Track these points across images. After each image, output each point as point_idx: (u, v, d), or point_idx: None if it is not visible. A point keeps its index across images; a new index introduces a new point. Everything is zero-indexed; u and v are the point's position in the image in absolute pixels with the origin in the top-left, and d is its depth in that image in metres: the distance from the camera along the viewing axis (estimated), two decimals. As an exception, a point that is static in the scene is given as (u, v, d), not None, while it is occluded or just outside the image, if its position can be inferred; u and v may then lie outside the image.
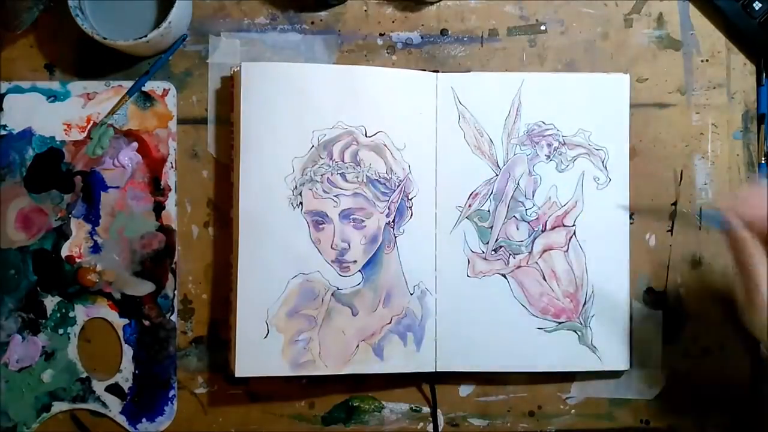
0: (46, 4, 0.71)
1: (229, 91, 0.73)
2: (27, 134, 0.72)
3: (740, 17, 0.74)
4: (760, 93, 0.75)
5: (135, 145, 0.72)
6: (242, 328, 0.69)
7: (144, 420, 0.72)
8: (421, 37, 0.74)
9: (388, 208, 0.71)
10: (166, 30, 0.68)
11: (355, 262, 0.70)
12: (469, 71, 0.73)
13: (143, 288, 0.72)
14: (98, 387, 0.72)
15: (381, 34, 0.74)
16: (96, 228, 0.72)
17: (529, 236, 0.72)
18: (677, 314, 0.74)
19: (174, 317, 0.72)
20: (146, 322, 0.72)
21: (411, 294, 0.71)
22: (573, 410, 0.74)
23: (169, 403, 0.72)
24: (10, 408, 0.71)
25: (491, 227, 0.72)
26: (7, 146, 0.72)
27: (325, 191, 0.70)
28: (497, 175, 0.72)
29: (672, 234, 0.74)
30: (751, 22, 0.73)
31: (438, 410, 0.73)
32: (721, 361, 0.74)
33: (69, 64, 0.73)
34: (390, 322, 0.70)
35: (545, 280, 0.72)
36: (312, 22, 0.74)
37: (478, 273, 0.72)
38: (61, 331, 0.71)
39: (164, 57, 0.72)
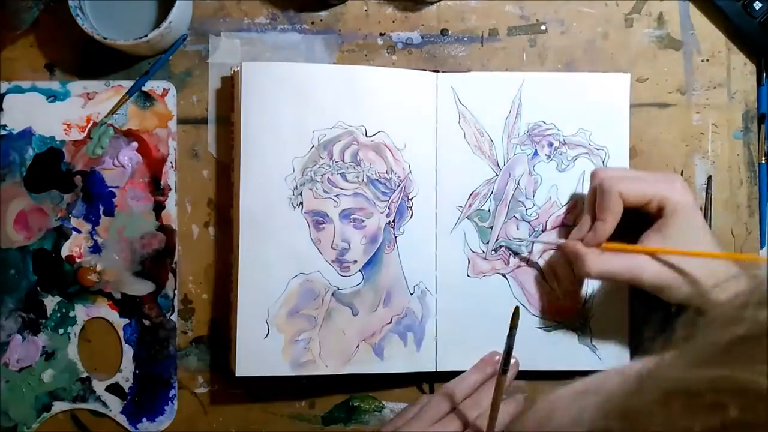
0: (46, 4, 0.71)
1: (229, 91, 0.72)
2: (27, 134, 0.72)
3: (740, 17, 0.73)
4: (760, 93, 0.75)
5: (135, 144, 0.72)
6: (242, 328, 0.69)
7: (144, 420, 0.72)
8: (421, 37, 0.74)
9: (389, 208, 0.70)
10: (166, 30, 0.67)
11: (356, 262, 0.70)
12: (469, 71, 0.73)
13: (143, 288, 0.72)
14: (98, 387, 0.71)
15: (381, 34, 0.74)
16: (96, 228, 0.72)
17: (530, 236, 0.72)
18: (677, 314, 0.74)
19: (174, 317, 0.72)
20: (146, 322, 0.72)
21: (411, 294, 0.71)
22: (573, 410, 0.74)
23: (170, 402, 0.72)
24: (10, 408, 0.71)
25: (491, 227, 0.72)
26: (7, 146, 0.72)
27: (325, 191, 0.70)
28: (497, 174, 0.72)
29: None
30: (751, 22, 0.73)
31: (438, 410, 0.73)
32: (721, 360, 0.74)
33: (69, 64, 0.72)
34: (390, 322, 0.70)
35: (545, 280, 0.72)
36: (312, 22, 0.74)
37: (478, 273, 0.72)
38: (61, 331, 0.71)
39: (164, 57, 0.72)
